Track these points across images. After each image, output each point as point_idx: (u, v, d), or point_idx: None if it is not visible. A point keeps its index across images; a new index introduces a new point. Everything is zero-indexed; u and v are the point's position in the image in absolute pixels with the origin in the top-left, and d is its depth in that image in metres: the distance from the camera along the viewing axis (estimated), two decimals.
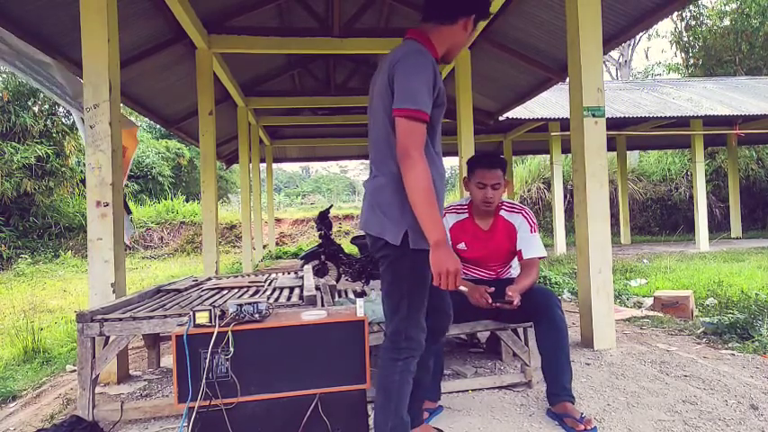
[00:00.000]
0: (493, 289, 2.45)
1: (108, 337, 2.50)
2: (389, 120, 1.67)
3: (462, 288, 2.16)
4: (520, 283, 2.45)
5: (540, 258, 2.59)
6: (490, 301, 2.40)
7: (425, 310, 1.81)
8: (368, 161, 1.89)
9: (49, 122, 12.44)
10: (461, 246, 2.69)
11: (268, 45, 6.02)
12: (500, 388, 2.73)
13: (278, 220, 16.63)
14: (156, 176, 18.13)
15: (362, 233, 1.90)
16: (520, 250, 2.60)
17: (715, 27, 20.29)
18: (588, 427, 2.17)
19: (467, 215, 2.69)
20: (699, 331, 3.81)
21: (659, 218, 15.91)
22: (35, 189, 12.02)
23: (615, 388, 2.73)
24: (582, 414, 2.25)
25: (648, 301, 4.89)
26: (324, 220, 6.95)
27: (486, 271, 2.76)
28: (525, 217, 2.63)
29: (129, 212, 4.64)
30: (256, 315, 2.01)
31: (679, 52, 22.16)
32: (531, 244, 2.59)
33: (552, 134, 10.90)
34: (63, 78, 3.86)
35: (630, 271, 7.12)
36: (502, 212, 2.66)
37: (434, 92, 1.67)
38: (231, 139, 10.85)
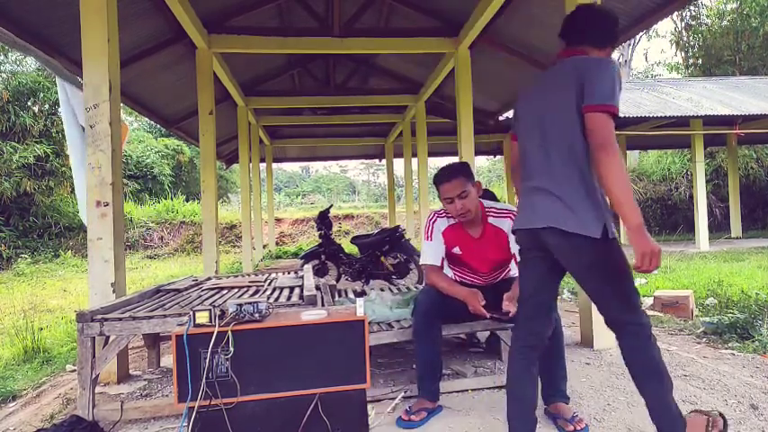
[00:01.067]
0: (483, 302, 2.43)
1: (108, 337, 2.50)
2: (576, 121, 1.79)
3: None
4: (517, 289, 2.38)
5: None
6: (487, 315, 2.42)
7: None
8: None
9: (48, 122, 12.45)
10: (456, 250, 2.65)
11: (268, 45, 6.01)
12: (500, 388, 2.73)
13: (278, 220, 16.63)
14: (156, 176, 18.14)
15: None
16: (514, 254, 2.55)
17: (715, 27, 20.30)
18: (579, 428, 2.17)
19: (457, 220, 2.62)
20: (699, 331, 3.81)
21: (659, 217, 15.90)
22: (35, 189, 12.01)
23: (615, 388, 2.73)
24: (574, 414, 2.26)
25: (648, 301, 4.89)
26: (324, 220, 6.95)
27: (481, 276, 2.73)
28: (514, 220, 2.60)
29: None
30: (256, 315, 2.01)
31: (679, 52, 22.18)
32: None
33: None
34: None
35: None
36: (490, 220, 2.59)
37: (619, 94, 1.81)
38: (231, 139, 10.85)
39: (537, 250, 1.94)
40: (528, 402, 1.94)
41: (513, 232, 2.08)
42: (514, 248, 2.54)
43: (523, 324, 2.01)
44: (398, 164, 14.06)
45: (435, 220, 2.67)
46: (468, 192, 2.48)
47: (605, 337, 3.47)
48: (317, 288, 3.09)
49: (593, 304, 3.45)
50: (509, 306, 2.33)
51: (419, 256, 6.71)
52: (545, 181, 1.87)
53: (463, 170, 2.53)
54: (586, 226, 1.75)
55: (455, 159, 7.33)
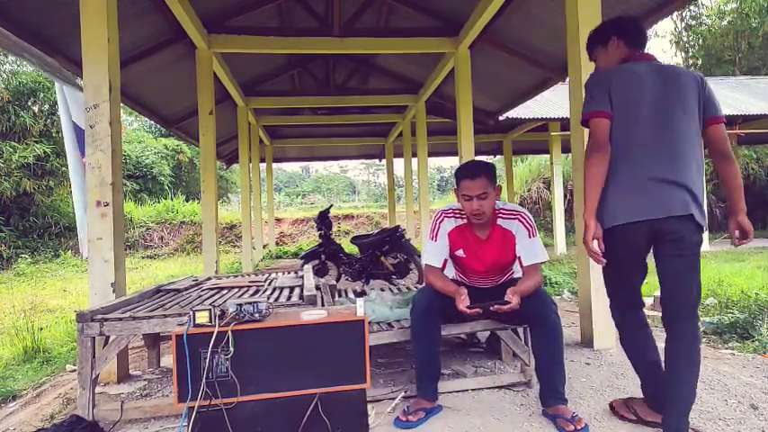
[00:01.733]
0: (467, 302, 2.37)
1: (108, 337, 2.50)
2: (698, 122, 2.05)
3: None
4: (522, 285, 2.39)
5: (541, 263, 2.49)
6: (470, 312, 2.35)
7: None
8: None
9: (48, 122, 12.45)
10: (459, 252, 2.60)
11: (268, 45, 6.01)
12: (500, 387, 2.74)
13: (278, 220, 16.63)
14: (156, 176, 18.13)
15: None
16: (519, 257, 2.51)
17: (715, 27, 20.30)
18: (579, 427, 2.17)
19: (465, 220, 2.58)
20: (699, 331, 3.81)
21: None
22: (35, 189, 12.02)
23: (615, 388, 2.73)
24: (574, 413, 2.26)
25: (648, 301, 4.88)
26: (324, 220, 6.96)
27: (485, 279, 2.69)
28: (522, 222, 2.51)
29: None
30: (256, 315, 2.01)
31: (679, 52, 22.18)
32: (530, 250, 2.48)
33: (552, 134, 10.89)
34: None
35: None
36: (499, 221, 2.54)
37: None
38: (231, 139, 10.85)
39: (645, 245, 2.08)
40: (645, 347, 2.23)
41: (623, 225, 2.03)
42: (520, 252, 2.50)
43: (626, 303, 2.25)
44: (398, 164, 14.08)
45: (443, 219, 2.61)
46: (489, 194, 2.43)
47: (605, 337, 3.47)
48: (317, 288, 3.09)
49: (593, 304, 3.46)
50: (511, 297, 2.30)
51: (419, 255, 6.75)
52: (673, 173, 1.99)
53: (489, 171, 2.47)
54: (701, 217, 2.01)
55: (455, 159, 7.33)
